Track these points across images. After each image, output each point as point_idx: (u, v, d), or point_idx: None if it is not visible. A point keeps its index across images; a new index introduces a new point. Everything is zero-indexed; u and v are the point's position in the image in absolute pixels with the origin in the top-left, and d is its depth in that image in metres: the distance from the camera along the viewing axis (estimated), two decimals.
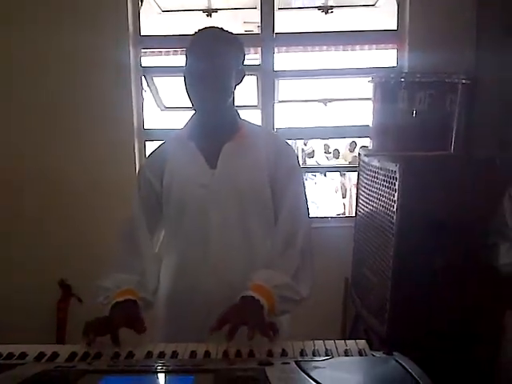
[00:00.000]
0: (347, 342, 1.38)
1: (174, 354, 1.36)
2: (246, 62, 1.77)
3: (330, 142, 9.29)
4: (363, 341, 1.38)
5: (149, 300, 1.68)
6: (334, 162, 8.93)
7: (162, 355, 1.36)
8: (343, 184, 8.66)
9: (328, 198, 8.25)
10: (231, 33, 1.72)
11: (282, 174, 1.72)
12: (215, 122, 1.72)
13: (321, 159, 9.19)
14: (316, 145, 9.45)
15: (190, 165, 1.72)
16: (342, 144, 9.19)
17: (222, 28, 1.72)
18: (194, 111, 1.76)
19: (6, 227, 3.30)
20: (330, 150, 9.35)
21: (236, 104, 1.78)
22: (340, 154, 9.10)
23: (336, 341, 1.38)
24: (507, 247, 2.23)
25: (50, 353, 1.37)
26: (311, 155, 9.23)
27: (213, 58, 1.62)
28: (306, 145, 9.40)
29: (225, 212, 1.69)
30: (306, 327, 2.04)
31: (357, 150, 8.60)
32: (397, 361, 1.19)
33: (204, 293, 1.69)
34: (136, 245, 1.74)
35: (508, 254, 2.22)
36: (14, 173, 3.31)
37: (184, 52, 1.69)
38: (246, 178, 1.71)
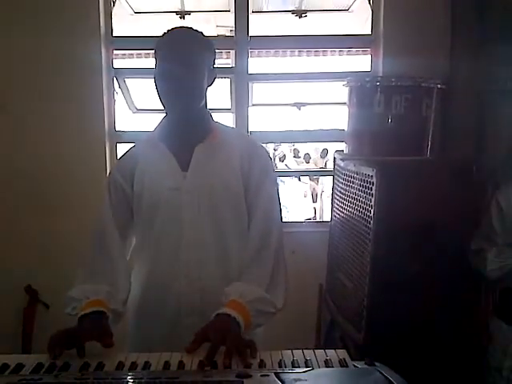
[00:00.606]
0: (327, 351, 1.34)
1: (147, 365, 1.30)
2: (218, 66, 1.74)
3: (299, 146, 9.36)
4: (343, 350, 1.35)
5: (119, 311, 1.61)
6: (304, 167, 8.97)
7: (133, 366, 1.30)
8: (314, 188, 8.70)
9: (298, 202, 8.26)
10: (201, 33, 1.68)
11: (255, 176, 1.70)
12: (187, 123, 1.69)
13: (290, 163, 9.22)
14: (286, 149, 9.50)
15: (162, 167, 1.69)
16: (311, 148, 9.26)
17: (191, 28, 1.68)
18: (165, 113, 1.73)
19: None
20: (300, 154, 9.42)
21: (209, 107, 1.75)
22: (311, 159, 9.15)
23: (315, 350, 1.35)
24: (494, 253, 2.22)
25: (14, 364, 1.30)
26: (282, 159, 9.26)
27: (183, 58, 1.58)
28: (275, 150, 9.43)
29: (197, 215, 1.66)
30: (280, 334, 2.02)
31: (327, 157, 8.67)
32: (380, 372, 1.16)
33: (177, 296, 1.66)
34: (107, 252, 1.68)
35: (495, 260, 2.21)
36: None
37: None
38: (218, 179, 1.68)
